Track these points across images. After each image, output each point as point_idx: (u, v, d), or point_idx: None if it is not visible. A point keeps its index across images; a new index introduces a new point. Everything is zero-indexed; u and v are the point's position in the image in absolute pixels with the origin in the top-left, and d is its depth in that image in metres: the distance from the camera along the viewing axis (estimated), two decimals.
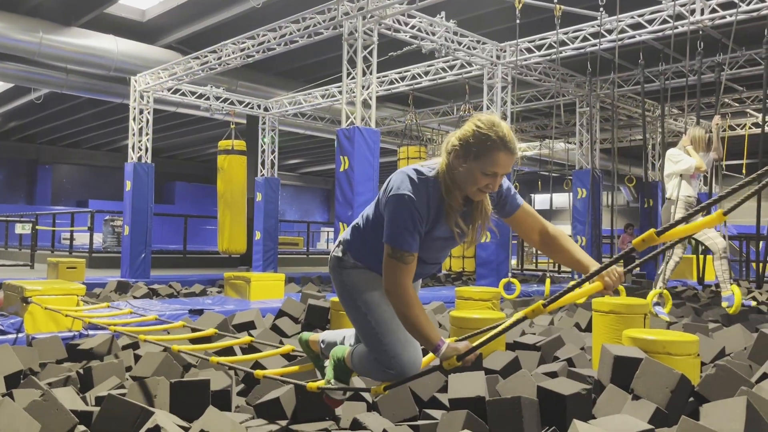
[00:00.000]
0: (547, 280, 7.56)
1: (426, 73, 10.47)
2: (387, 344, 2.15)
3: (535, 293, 8.16)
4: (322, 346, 2.55)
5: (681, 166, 5.82)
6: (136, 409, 2.40)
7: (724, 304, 5.53)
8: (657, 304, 5.60)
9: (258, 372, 2.60)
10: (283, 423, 2.66)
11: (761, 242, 8.38)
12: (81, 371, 3.27)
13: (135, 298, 7.23)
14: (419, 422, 2.66)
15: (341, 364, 2.35)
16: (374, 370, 2.20)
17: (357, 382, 2.87)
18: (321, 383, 2.39)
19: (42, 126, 19.50)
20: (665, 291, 5.69)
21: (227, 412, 2.76)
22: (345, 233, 2.31)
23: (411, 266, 2.02)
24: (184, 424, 2.52)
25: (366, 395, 2.90)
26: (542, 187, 24.13)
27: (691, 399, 2.65)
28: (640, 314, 3.75)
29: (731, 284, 5.48)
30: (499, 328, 2.02)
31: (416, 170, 2.05)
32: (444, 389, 2.92)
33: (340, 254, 2.27)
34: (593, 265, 2.06)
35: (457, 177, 2.02)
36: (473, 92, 10.80)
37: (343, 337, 2.50)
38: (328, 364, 2.41)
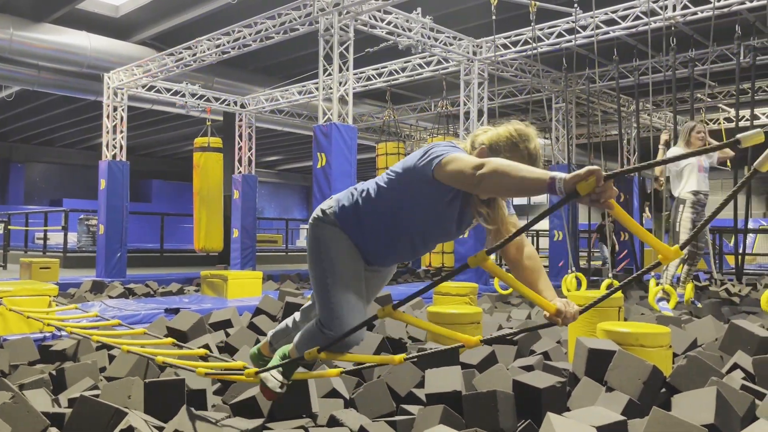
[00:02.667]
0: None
1: (403, 70, 10.47)
2: (335, 303, 2.16)
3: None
4: (272, 340, 2.54)
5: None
6: (109, 410, 2.36)
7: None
8: (661, 299, 5.60)
9: (200, 370, 2.62)
10: (260, 421, 2.65)
11: (740, 235, 8.52)
12: (54, 372, 3.22)
13: (110, 297, 7.14)
14: (396, 418, 2.67)
15: (286, 358, 2.36)
16: (316, 337, 2.21)
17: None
18: (257, 369, 2.41)
19: (14, 124, 19.14)
20: (667, 287, 5.63)
21: (203, 412, 2.74)
22: (339, 200, 2.27)
23: (470, 155, 1.95)
24: (159, 424, 2.49)
25: (344, 392, 2.90)
26: None
27: (663, 390, 2.69)
28: (615, 307, 3.80)
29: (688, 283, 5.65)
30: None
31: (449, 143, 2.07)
32: (421, 384, 2.93)
33: (326, 213, 2.26)
34: (554, 297, 2.01)
35: None
36: (450, 88, 10.83)
37: (286, 326, 2.51)
38: (272, 360, 2.42)
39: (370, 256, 2.27)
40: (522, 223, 2.01)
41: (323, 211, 2.28)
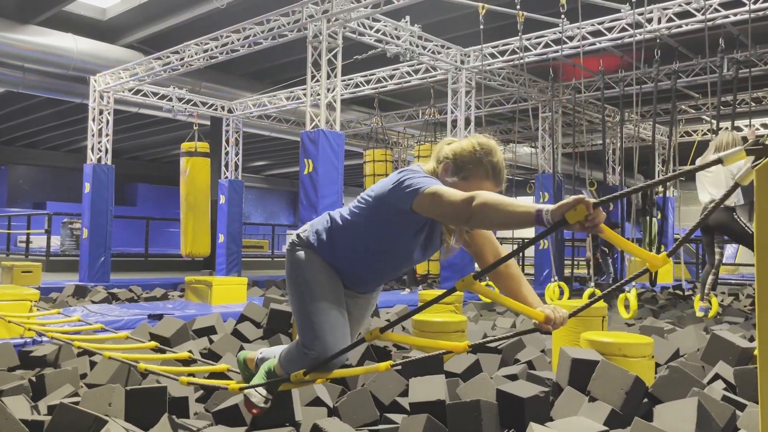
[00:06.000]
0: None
1: (391, 77, 10.50)
2: (315, 323, 2.14)
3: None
4: (259, 358, 2.52)
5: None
6: (89, 418, 2.34)
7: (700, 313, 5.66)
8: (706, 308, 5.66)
9: (183, 379, 2.59)
10: (242, 430, 2.63)
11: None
12: (33, 379, 3.18)
13: (93, 302, 7.06)
14: (380, 426, 2.66)
15: (271, 373, 2.34)
16: (298, 358, 2.20)
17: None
18: (244, 384, 2.40)
19: None
20: (712, 296, 5.66)
21: (185, 420, 2.72)
22: (313, 225, 2.26)
23: (452, 188, 1.90)
24: None
25: (327, 400, 2.89)
26: (506, 191, 24.41)
27: (646, 400, 2.71)
28: (599, 317, 3.82)
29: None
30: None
31: (415, 166, 2.08)
32: (405, 393, 2.92)
33: (301, 237, 2.26)
34: (539, 304, 2.01)
35: None
36: (438, 96, 10.86)
37: (280, 353, 2.49)
38: (257, 375, 2.41)
39: (346, 281, 2.25)
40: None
41: (298, 236, 2.28)
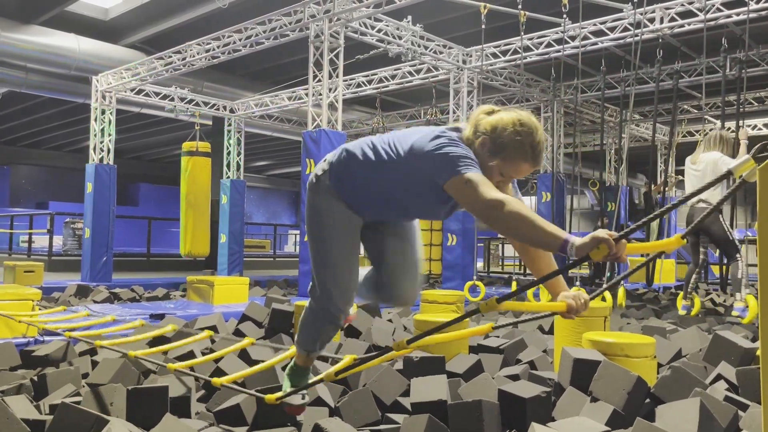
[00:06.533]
0: (513, 283, 7.64)
1: (393, 77, 10.49)
2: (328, 275, 2.20)
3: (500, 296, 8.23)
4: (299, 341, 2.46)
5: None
6: (90, 418, 2.34)
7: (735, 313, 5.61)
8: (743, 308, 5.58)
9: (216, 380, 2.56)
10: (244, 430, 2.63)
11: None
12: (35, 378, 3.18)
13: (95, 302, 7.07)
14: (381, 426, 2.66)
15: (294, 367, 2.36)
16: (308, 318, 2.27)
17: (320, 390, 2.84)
18: (279, 394, 2.37)
19: (0, 126, 18.96)
20: (749, 296, 5.50)
21: (186, 419, 2.71)
22: (331, 163, 2.20)
23: (488, 181, 1.83)
24: None
25: (328, 400, 2.89)
26: None
27: (648, 400, 2.70)
28: (601, 317, 3.81)
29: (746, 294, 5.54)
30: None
31: (453, 128, 2.02)
32: (406, 393, 2.92)
33: (320, 175, 2.21)
34: (563, 288, 1.98)
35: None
36: (440, 96, 10.86)
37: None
38: (284, 381, 2.41)
39: (367, 216, 2.24)
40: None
41: (317, 177, 2.23)
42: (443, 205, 2.08)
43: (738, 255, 5.61)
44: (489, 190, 1.77)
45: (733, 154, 5.71)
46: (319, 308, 2.27)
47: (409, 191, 2.07)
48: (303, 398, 2.39)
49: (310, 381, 2.42)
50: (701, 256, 5.90)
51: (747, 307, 5.49)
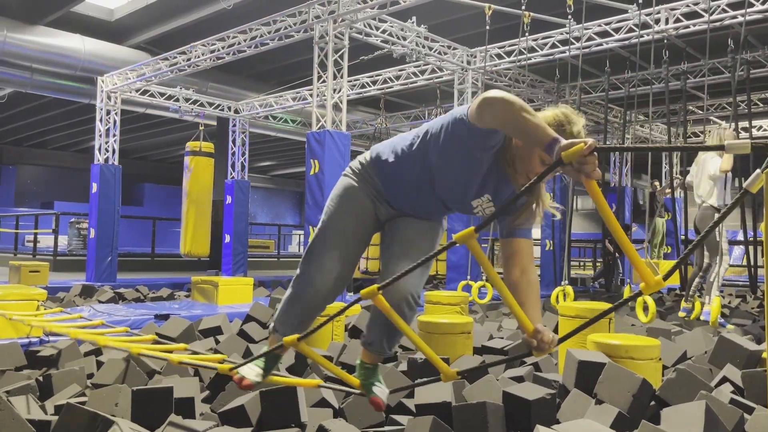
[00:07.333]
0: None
1: (397, 78, 10.49)
2: (314, 257, 2.21)
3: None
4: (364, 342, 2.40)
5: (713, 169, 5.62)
6: (95, 418, 2.34)
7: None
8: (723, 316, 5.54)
9: (221, 366, 2.51)
10: (248, 430, 2.63)
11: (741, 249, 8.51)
12: (40, 379, 3.19)
13: (100, 302, 7.09)
14: (386, 428, 2.66)
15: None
16: (285, 302, 2.27)
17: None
18: (231, 365, 2.39)
19: (6, 126, 19.03)
20: (716, 298, 5.45)
21: (191, 420, 2.72)
22: (375, 152, 2.27)
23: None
24: None
25: (333, 402, 2.89)
26: None
27: (653, 403, 2.69)
28: (605, 319, 3.80)
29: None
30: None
31: None
32: (411, 395, 2.92)
33: (362, 163, 2.29)
34: (536, 321, 1.93)
35: (513, 149, 1.99)
36: (444, 97, 10.85)
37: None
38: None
39: (395, 200, 2.25)
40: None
41: (360, 163, 2.30)
42: (475, 172, 2.05)
43: (718, 258, 5.58)
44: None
45: None
46: (294, 293, 2.25)
47: (441, 168, 2.09)
48: (260, 378, 2.29)
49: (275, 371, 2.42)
50: (705, 260, 5.87)
51: (693, 308, 5.60)
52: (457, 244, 1.63)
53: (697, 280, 5.87)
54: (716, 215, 5.49)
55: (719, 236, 5.56)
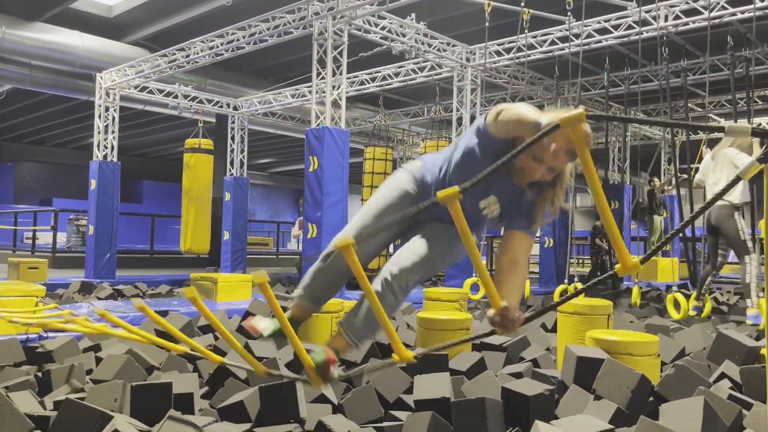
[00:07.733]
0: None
1: (396, 74, 10.48)
2: (357, 220, 2.45)
3: None
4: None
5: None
6: (94, 414, 2.35)
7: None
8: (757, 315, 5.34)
9: (219, 358, 2.54)
10: (247, 426, 2.63)
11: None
12: (39, 374, 3.19)
13: (99, 299, 7.09)
14: (384, 424, 2.66)
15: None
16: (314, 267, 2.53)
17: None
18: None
19: (4, 123, 19.01)
20: (762, 300, 5.26)
21: (190, 416, 2.72)
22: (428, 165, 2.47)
23: None
24: (146, 428, 2.47)
25: (332, 397, 2.89)
26: None
27: (651, 398, 2.70)
28: (604, 315, 3.81)
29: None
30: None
31: None
32: (410, 390, 2.92)
33: (412, 169, 2.51)
34: (503, 301, 1.93)
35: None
36: (443, 94, 10.84)
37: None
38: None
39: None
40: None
41: (411, 169, 2.52)
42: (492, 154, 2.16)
43: (747, 257, 5.45)
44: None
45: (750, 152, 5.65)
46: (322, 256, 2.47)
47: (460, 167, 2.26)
48: (266, 333, 2.47)
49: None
50: (719, 258, 5.82)
51: (759, 314, 5.28)
52: (439, 203, 1.62)
53: (709, 278, 5.83)
54: (736, 213, 5.48)
55: (743, 234, 5.47)
